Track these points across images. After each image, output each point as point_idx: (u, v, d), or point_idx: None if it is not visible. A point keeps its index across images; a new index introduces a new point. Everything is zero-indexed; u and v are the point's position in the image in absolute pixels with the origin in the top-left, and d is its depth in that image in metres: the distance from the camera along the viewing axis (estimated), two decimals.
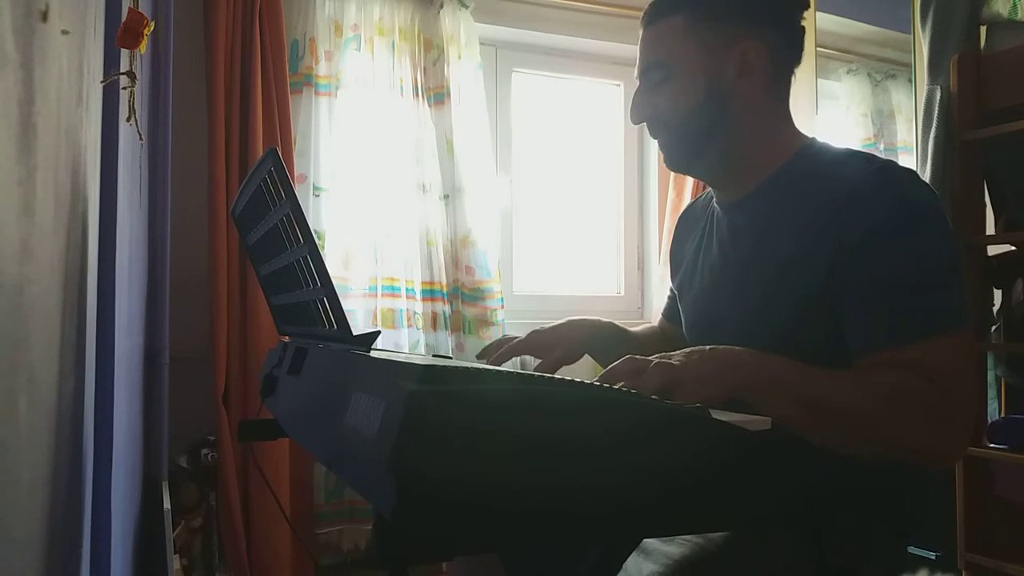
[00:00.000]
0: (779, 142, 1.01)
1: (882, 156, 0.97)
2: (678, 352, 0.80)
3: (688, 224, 1.19)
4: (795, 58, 1.02)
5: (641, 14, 1.04)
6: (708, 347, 0.80)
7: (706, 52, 0.98)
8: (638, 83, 1.05)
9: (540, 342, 1.11)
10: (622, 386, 0.75)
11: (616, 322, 1.20)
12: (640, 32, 1.04)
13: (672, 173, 2.63)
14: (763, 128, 1.00)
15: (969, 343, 0.87)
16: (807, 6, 1.02)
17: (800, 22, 1.02)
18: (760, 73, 0.98)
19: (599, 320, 1.17)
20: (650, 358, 0.78)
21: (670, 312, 1.26)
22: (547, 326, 1.14)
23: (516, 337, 1.12)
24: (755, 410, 0.77)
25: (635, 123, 1.07)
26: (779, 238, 0.95)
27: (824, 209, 0.90)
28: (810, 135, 1.04)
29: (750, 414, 0.67)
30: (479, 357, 1.15)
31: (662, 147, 1.07)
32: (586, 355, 1.15)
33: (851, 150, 0.99)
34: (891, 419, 0.80)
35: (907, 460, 0.84)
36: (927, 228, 0.87)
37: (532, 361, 1.14)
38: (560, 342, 1.11)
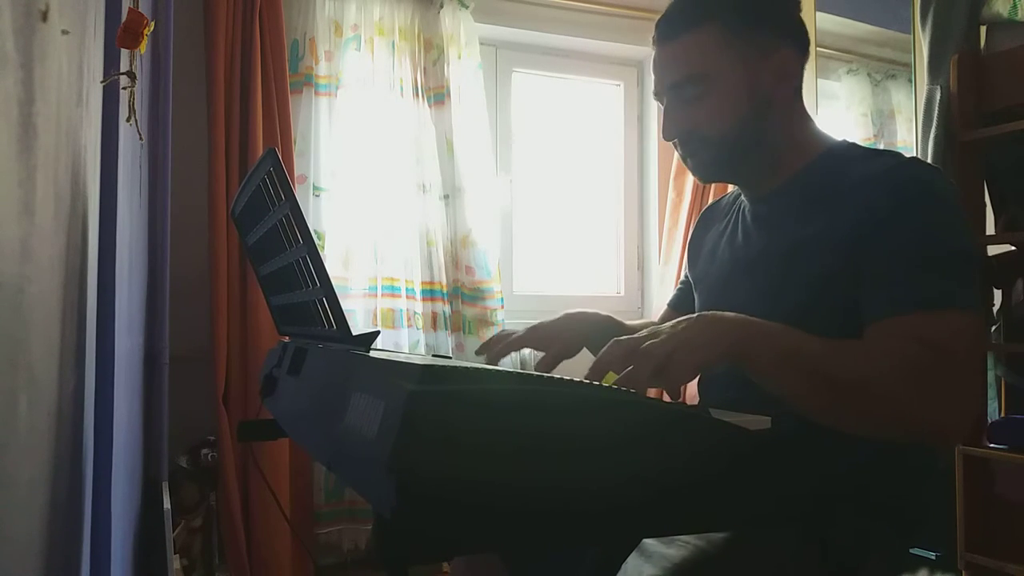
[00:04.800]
0: (806, 139, 1.03)
1: None
2: (666, 324, 0.79)
3: (712, 217, 1.20)
4: (808, 56, 1.04)
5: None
6: (695, 315, 0.80)
7: (745, 62, 0.97)
8: (665, 100, 1.03)
9: (539, 337, 1.11)
10: (619, 381, 0.74)
11: (614, 316, 1.20)
12: (657, 47, 1.02)
13: (671, 173, 2.63)
14: (793, 128, 1.02)
15: (977, 324, 0.86)
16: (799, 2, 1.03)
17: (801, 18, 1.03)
18: (794, 78, 1.00)
19: (597, 313, 1.17)
20: (638, 335, 0.77)
21: (679, 302, 1.26)
22: (546, 320, 1.14)
23: (515, 332, 1.12)
24: (750, 377, 0.77)
25: (668, 140, 1.04)
26: (796, 224, 0.97)
27: (845, 194, 0.92)
28: None
29: (749, 414, 0.67)
30: (478, 353, 1.15)
31: (699, 162, 1.04)
32: (584, 349, 1.15)
33: (881, 149, 1.00)
34: (890, 385, 0.78)
35: (905, 433, 0.82)
36: (946, 215, 0.88)
37: (531, 358, 1.14)
38: (559, 337, 1.11)
